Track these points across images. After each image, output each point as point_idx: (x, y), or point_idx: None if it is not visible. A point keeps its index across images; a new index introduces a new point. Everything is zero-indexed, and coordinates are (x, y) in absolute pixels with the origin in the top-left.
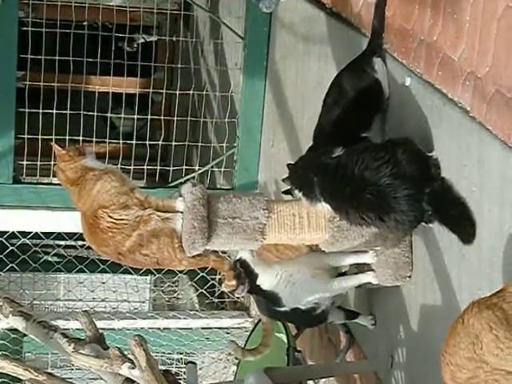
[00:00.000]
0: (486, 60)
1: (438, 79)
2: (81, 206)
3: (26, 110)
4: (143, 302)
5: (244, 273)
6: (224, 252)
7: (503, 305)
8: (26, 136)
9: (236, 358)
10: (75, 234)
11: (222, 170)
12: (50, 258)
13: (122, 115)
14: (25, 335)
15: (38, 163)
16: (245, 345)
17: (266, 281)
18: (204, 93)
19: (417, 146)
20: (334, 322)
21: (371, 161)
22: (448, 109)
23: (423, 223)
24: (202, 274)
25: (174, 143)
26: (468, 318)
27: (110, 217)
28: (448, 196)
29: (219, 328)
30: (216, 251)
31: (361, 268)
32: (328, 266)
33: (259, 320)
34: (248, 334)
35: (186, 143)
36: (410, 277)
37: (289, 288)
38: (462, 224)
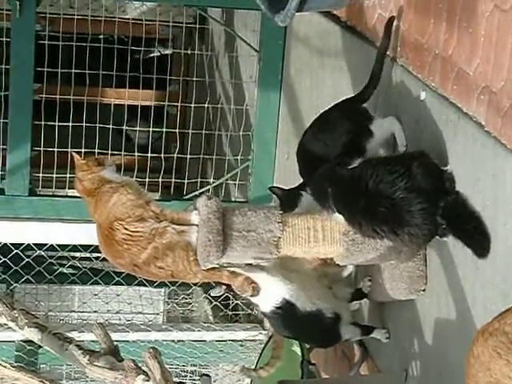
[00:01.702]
0: (501, 74)
1: (453, 93)
2: (97, 217)
3: (42, 123)
4: (157, 314)
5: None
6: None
7: (505, 328)
8: (41, 148)
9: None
10: (90, 246)
11: (237, 182)
12: (65, 270)
13: (138, 128)
14: (40, 347)
15: (54, 175)
16: (258, 358)
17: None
18: (219, 106)
19: (432, 159)
20: (350, 340)
21: (386, 174)
22: (463, 123)
23: (437, 237)
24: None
25: (188, 156)
26: (476, 349)
27: (126, 229)
28: (462, 210)
29: (233, 340)
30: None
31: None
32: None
33: (272, 334)
34: (262, 346)
35: (201, 156)
36: (424, 290)
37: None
38: (477, 238)
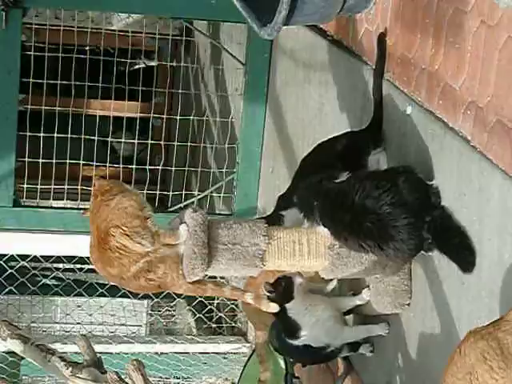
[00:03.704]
0: (488, 90)
1: (439, 108)
2: (97, 218)
3: (27, 134)
4: (140, 326)
5: (283, 290)
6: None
7: (498, 334)
8: (26, 159)
9: None
10: (74, 257)
11: (222, 195)
12: (48, 281)
13: (123, 139)
14: (22, 358)
15: (39, 186)
16: (242, 371)
17: (294, 307)
18: (204, 118)
19: (418, 174)
20: (339, 356)
21: (372, 189)
22: (449, 138)
23: (423, 251)
24: (199, 299)
25: (173, 168)
26: (464, 348)
27: (121, 239)
28: (448, 225)
29: (216, 353)
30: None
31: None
32: (341, 310)
33: (255, 347)
34: (245, 359)
35: (186, 168)
36: (408, 305)
37: (311, 323)
38: (462, 253)
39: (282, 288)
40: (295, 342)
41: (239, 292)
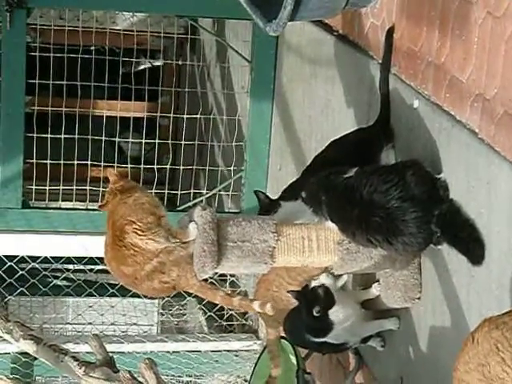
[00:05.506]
0: (495, 82)
1: (446, 101)
2: (113, 216)
3: (35, 135)
4: (152, 326)
5: (324, 298)
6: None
7: None
8: (34, 160)
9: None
10: (84, 258)
11: (230, 193)
12: (59, 282)
13: (130, 139)
14: (35, 359)
15: (47, 188)
16: (254, 368)
17: (340, 312)
18: (211, 116)
19: (425, 168)
20: (351, 348)
21: (380, 183)
22: (456, 131)
23: (432, 245)
24: None
25: (181, 167)
26: (478, 336)
27: (135, 236)
28: (457, 218)
29: (228, 351)
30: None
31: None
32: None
33: (267, 344)
34: (256, 356)
35: (194, 167)
36: (419, 298)
37: (341, 322)
38: (471, 245)
39: (322, 296)
40: (318, 340)
41: (247, 302)
